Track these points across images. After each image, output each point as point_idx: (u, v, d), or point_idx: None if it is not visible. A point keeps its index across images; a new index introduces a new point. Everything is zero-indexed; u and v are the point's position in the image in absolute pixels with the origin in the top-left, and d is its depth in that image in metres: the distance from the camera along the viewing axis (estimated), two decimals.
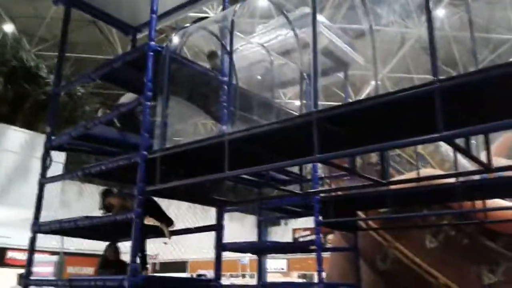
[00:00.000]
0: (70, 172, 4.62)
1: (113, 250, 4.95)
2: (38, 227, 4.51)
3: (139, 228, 3.48)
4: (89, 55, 15.86)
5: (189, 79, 4.30)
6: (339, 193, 5.73)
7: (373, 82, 16.64)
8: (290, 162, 3.02)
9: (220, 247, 4.32)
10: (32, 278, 4.40)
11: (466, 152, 2.60)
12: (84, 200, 14.21)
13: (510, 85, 2.39)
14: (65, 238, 10.36)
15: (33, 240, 4.53)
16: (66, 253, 11.47)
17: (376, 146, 2.68)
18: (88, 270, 11.35)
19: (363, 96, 16.68)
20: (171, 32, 14.30)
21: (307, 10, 7.02)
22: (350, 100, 9.69)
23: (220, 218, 4.44)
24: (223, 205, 4.47)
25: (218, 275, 4.25)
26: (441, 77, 2.35)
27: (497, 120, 2.54)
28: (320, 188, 5.69)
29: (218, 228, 4.39)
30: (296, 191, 4.12)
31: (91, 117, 11.27)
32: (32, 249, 4.50)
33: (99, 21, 11.15)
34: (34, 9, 15.70)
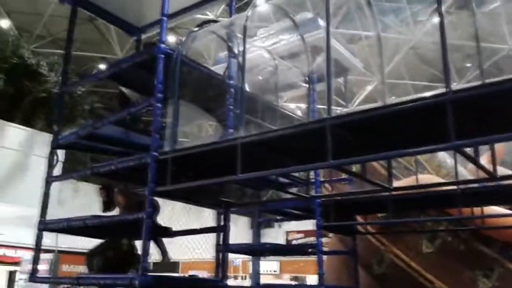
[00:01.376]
0: (79, 171, 4.66)
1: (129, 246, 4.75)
2: (44, 225, 4.55)
3: (149, 228, 3.53)
4: (86, 52, 15.84)
5: (198, 82, 4.36)
6: (338, 197, 5.83)
7: (368, 87, 16.85)
8: (304, 166, 3.11)
9: (226, 248, 4.38)
10: (38, 276, 4.44)
11: (475, 160, 2.70)
12: (80, 198, 14.19)
13: None
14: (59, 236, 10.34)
15: (39, 238, 4.56)
16: (60, 251, 11.45)
17: (388, 153, 2.77)
18: (83, 269, 11.32)
19: (358, 100, 16.85)
20: (169, 32, 14.35)
21: (309, 15, 7.16)
22: (350, 105, 9.84)
23: (225, 219, 4.50)
24: (229, 206, 4.54)
25: (224, 276, 4.32)
26: (454, 89, 2.45)
27: (505, 131, 2.64)
28: (320, 192, 5.78)
29: (223, 229, 4.46)
30: (302, 194, 4.20)
31: (90, 115, 11.31)
32: (38, 248, 4.53)
33: (97, 19, 11.18)
34: (31, 5, 15.64)
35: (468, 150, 2.91)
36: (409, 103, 2.59)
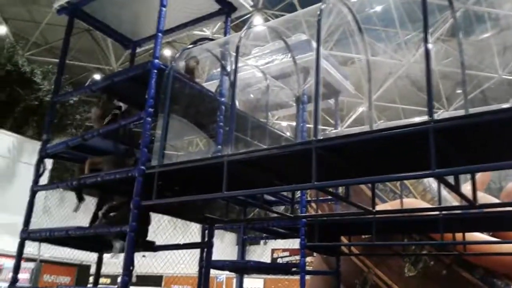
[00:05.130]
0: (65, 181, 4.65)
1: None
2: (27, 234, 4.52)
3: (133, 241, 3.54)
4: (82, 62, 15.89)
5: (189, 98, 4.41)
6: (323, 217, 5.86)
7: (360, 109, 17.03)
8: (288, 187, 3.14)
9: (209, 265, 4.38)
10: (18, 285, 4.40)
11: (455, 188, 2.75)
12: (65, 207, 14.05)
13: (498, 129, 2.56)
14: (42, 245, 10.23)
15: (21, 247, 4.53)
16: (42, 261, 11.27)
17: (371, 178, 2.82)
18: (65, 279, 11.17)
19: (350, 121, 17.00)
20: (166, 46, 14.49)
21: (303, 36, 7.26)
22: (340, 127, 9.95)
23: (209, 235, 4.51)
24: (213, 223, 4.55)
25: None
26: (436, 118, 2.51)
27: (484, 160, 2.71)
28: (305, 211, 5.81)
29: (207, 246, 4.46)
30: (287, 214, 4.23)
31: (80, 125, 11.31)
32: (19, 256, 4.50)
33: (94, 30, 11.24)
34: (29, 13, 15.70)
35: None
36: (393, 129, 2.64)
